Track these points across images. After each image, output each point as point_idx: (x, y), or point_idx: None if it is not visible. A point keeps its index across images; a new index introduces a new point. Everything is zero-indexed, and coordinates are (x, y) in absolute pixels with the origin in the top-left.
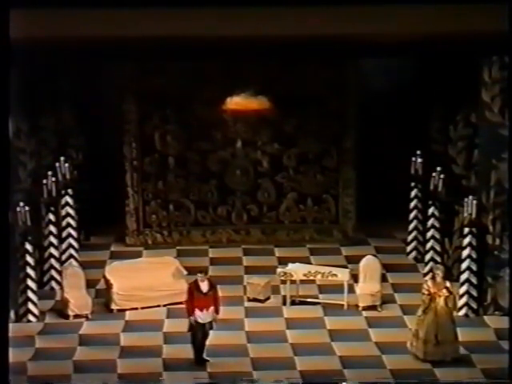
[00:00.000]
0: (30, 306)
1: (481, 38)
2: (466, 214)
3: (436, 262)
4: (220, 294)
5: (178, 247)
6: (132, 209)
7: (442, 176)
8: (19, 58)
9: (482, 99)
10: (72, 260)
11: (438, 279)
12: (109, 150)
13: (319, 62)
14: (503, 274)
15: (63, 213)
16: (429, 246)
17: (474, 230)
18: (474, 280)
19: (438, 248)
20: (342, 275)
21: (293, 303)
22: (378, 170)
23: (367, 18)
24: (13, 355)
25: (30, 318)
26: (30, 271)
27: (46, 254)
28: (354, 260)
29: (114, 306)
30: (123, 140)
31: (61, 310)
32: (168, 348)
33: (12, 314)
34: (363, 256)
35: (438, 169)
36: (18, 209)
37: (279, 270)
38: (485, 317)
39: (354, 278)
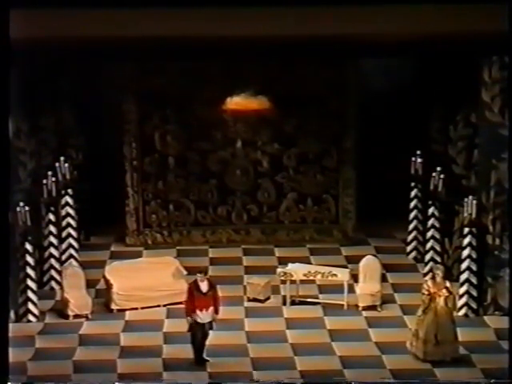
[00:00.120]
0: (30, 306)
1: (481, 37)
2: (466, 214)
3: (436, 262)
4: (220, 293)
5: (178, 247)
6: (132, 209)
7: (441, 176)
8: (19, 58)
9: (482, 99)
10: (72, 260)
11: (438, 279)
12: (109, 150)
13: (319, 62)
14: (503, 274)
15: (63, 213)
16: (429, 246)
17: (474, 230)
18: (473, 280)
19: (438, 248)
20: (342, 275)
21: (293, 303)
22: (377, 169)
23: (367, 18)
24: (13, 355)
25: (30, 317)
26: (29, 271)
27: (46, 254)
28: (354, 260)
29: (114, 306)
30: (123, 140)
31: (61, 309)
32: (168, 348)
33: (12, 314)
34: (363, 256)
35: (438, 169)
36: (18, 209)
37: (279, 270)
38: (485, 317)
39: (354, 278)
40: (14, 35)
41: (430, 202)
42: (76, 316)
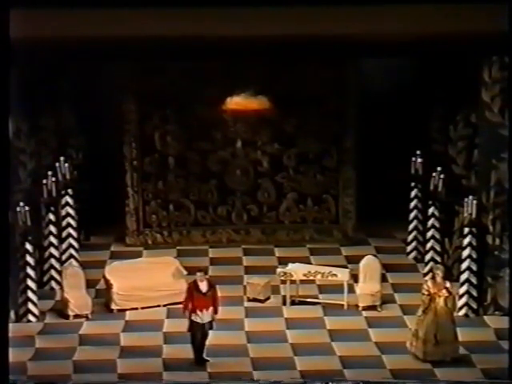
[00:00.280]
0: (30, 306)
1: (481, 37)
2: (466, 214)
3: (436, 261)
4: (220, 293)
5: (178, 247)
6: (132, 209)
7: (442, 176)
8: (19, 58)
9: (482, 99)
10: (72, 260)
11: (438, 279)
12: (109, 150)
13: (319, 62)
14: (503, 274)
15: (63, 213)
16: (429, 246)
17: (474, 229)
18: (473, 280)
19: (438, 248)
20: (342, 275)
21: (293, 303)
22: (378, 170)
23: (367, 18)
24: (13, 355)
25: (30, 317)
26: (29, 271)
27: (46, 254)
28: (354, 260)
29: (114, 306)
30: (123, 140)
31: (61, 309)
32: (168, 348)
33: (12, 314)
34: (363, 256)
35: (438, 169)
36: (18, 209)
37: (279, 270)
38: (485, 317)
39: (354, 278)
40: (14, 35)
41: (430, 202)
42: (76, 316)
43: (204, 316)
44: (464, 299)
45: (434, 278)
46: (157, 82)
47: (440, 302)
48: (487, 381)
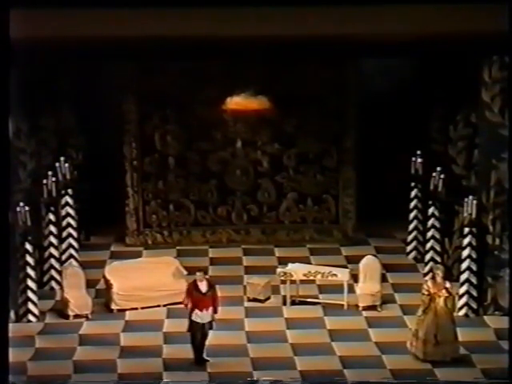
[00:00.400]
0: (30, 306)
1: (481, 37)
2: (465, 214)
3: (436, 262)
4: (220, 293)
5: (178, 247)
6: (132, 209)
7: (442, 176)
8: (19, 58)
9: (482, 99)
10: (72, 260)
11: (438, 279)
12: (109, 150)
13: (319, 62)
14: (503, 274)
15: (63, 213)
16: (429, 245)
17: (474, 229)
18: (474, 280)
19: (438, 248)
20: (342, 275)
21: (293, 303)
22: (377, 169)
23: (367, 17)
24: (13, 355)
25: (30, 317)
26: (30, 271)
27: (46, 254)
28: (354, 260)
29: (114, 306)
30: (123, 140)
31: (61, 309)
32: (168, 348)
33: (12, 314)
34: (363, 256)
35: (438, 169)
36: (18, 209)
37: (279, 270)
38: (485, 317)
39: (354, 278)
40: (14, 35)
41: (430, 202)
42: (76, 316)
43: (204, 316)
44: (464, 299)
45: (433, 277)
46: (157, 81)
47: (440, 302)
48: (487, 381)
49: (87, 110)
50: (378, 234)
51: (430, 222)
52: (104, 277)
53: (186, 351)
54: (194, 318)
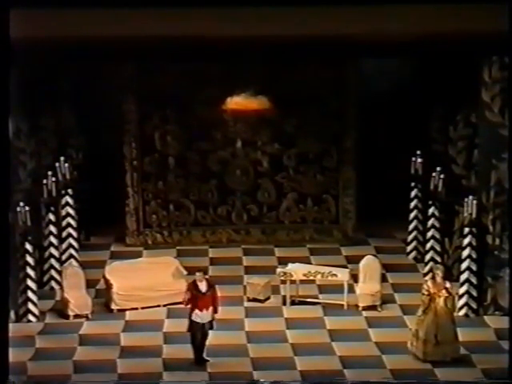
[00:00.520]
0: (30, 306)
1: (481, 37)
2: (466, 214)
3: (436, 262)
4: (220, 293)
5: (178, 247)
6: (132, 209)
7: (442, 176)
8: (19, 58)
9: (482, 99)
10: (72, 260)
11: (438, 279)
12: (109, 150)
13: (319, 62)
14: (503, 274)
15: (63, 213)
16: (429, 245)
17: (474, 229)
18: (474, 280)
19: (438, 248)
20: (342, 275)
21: (293, 303)
22: (377, 169)
23: (367, 17)
24: (13, 355)
25: (30, 317)
26: (29, 271)
27: (46, 254)
28: (354, 260)
29: (114, 306)
30: (123, 140)
31: (61, 309)
32: (168, 348)
33: (12, 314)
34: (363, 256)
35: (438, 169)
36: (18, 209)
37: (279, 270)
38: (485, 317)
39: (354, 278)
40: (14, 35)
41: (430, 202)
42: (76, 316)
43: (204, 316)
44: (464, 299)
45: (434, 278)
46: (157, 82)
47: (440, 302)
48: (487, 381)
49: (87, 110)
50: (378, 234)
51: (429, 222)
52: (104, 277)
53: (186, 351)
54: (193, 317)
